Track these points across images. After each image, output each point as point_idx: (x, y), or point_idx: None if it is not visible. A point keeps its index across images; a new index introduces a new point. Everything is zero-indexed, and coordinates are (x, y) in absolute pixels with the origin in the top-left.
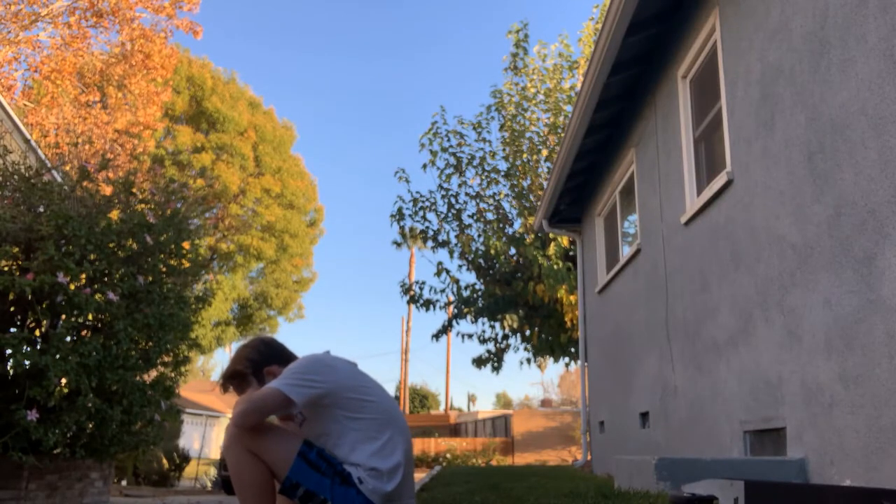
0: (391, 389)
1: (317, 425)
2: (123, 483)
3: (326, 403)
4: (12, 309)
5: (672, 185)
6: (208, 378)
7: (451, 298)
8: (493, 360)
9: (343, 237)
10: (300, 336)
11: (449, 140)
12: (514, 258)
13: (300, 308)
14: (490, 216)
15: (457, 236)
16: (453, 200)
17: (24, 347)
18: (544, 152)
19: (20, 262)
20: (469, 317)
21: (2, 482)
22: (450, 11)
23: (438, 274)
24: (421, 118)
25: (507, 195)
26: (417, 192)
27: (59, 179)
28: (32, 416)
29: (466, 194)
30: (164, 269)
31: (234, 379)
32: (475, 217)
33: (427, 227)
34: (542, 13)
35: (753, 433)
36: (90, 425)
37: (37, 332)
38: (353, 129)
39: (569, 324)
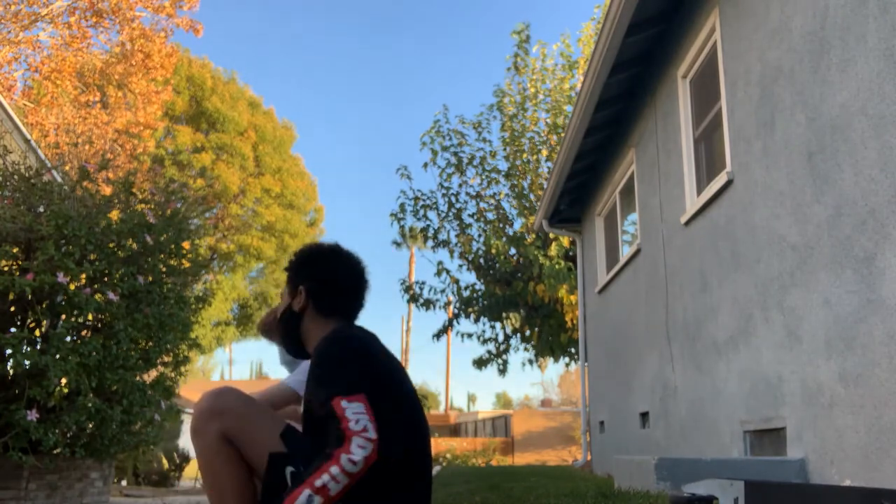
0: None
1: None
2: (123, 483)
3: None
4: (12, 309)
5: (672, 185)
6: (208, 378)
7: (452, 298)
8: (496, 361)
9: (343, 237)
10: None
11: (450, 139)
12: (515, 258)
13: None
14: (490, 216)
15: (457, 236)
16: (454, 200)
17: (24, 347)
18: (544, 152)
19: (20, 262)
20: (470, 317)
21: (2, 482)
22: (449, 11)
23: (439, 274)
24: (421, 118)
25: (507, 195)
26: (418, 191)
27: (59, 179)
28: (32, 416)
29: (467, 194)
30: (164, 269)
31: None
32: (475, 217)
33: (427, 226)
34: (542, 13)
35: (753, 433)
36: (90, 425)
37: (37, 332)
38: (353, 128)
39: (569, 324)
